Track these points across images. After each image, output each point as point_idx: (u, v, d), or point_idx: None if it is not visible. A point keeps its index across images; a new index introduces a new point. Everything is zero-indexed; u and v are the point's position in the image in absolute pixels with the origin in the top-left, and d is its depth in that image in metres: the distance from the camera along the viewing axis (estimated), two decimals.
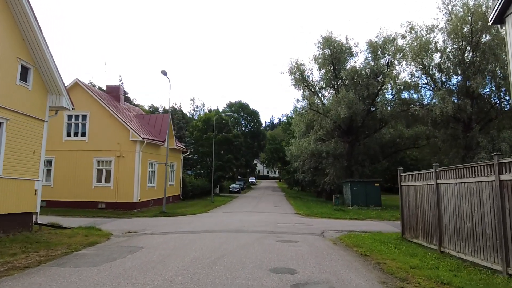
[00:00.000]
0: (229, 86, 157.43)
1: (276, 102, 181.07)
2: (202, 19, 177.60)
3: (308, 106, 35.14)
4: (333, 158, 33.82)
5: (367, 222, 18.27)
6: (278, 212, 23.89)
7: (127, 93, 63.75)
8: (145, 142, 23.69)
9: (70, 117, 24.76)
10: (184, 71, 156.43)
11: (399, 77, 30.81)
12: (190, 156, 43.72)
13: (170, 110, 27.25)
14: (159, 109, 59.39)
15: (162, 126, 28.23)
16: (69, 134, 24.74)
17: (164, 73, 21.88)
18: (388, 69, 31.53)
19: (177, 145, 31.17)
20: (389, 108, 31.36)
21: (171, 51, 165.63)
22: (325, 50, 34.07)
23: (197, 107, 71.97)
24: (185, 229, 13.98)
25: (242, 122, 76.15)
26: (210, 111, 68.78)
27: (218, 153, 43.99)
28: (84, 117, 24.64)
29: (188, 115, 73.60)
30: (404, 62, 31.71)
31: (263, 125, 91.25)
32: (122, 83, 76.21)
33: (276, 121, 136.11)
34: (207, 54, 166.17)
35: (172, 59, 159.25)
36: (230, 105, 76.13)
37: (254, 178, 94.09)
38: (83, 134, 24.65)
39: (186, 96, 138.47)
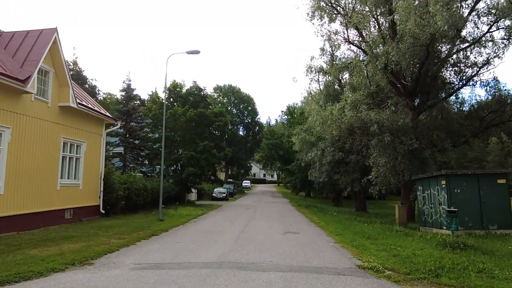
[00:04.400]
0: (221, 83, 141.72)
1: (275, 105, 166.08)
2: (200, 17, 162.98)
3: (344, 39, 19.52)
4: (390, 135, 18.19)
5: None
6: (312, 261, 8.16)
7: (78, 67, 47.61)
8: None
9: None
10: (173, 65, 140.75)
11: None
12: (148, 144, 28.00)
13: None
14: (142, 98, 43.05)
15: (33, 51, 12.57)
16: None
17: None
18: None
19: (88, 106, 15.45)
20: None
21: (167, 49, 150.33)
22: None
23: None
24: None
25: (234, 111, 60.31)
26: None
27: (190, 139, 28.31)
28: None
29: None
30: None
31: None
32: (76, 56, 60.55)
33: (273, 122, 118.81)
34: (201, 50, 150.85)
35: (167, 57, 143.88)
36: (217, 89, 60.30)
37: (248, 181, 78.19)
38: None
39: None
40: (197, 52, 17.22)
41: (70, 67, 45.75)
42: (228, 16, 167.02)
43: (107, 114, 17.51)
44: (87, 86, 45.64)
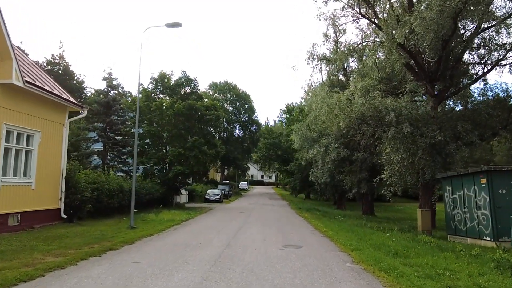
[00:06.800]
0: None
1: (273, 108, 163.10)
2: (199, 18, 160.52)
3: (355, 14, 16.66)
4: (410, 125, 15.31)
5: None
6: None
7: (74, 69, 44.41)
8: None
9: None
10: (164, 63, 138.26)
11: None
12: (131, 140, 25.06)
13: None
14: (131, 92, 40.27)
15: None
16: None
17: None
18: None
19: (43, 87, 12.53)
20: None
21: (166, 47, 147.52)
22: None
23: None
24: None
25: (230, 108, 57.37)
26: None
27: (178, 134, 25.41)
28: None
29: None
30: None
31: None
32: (63, 50, 58.13)
33: (271, 123, 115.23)
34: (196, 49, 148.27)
35: (159, 57, 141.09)
36: (212, 85, 57.35)
37: (246, 183, 75.23)
38: None
39: None
40: (178, 25, 14.37)
41: (56, 61, 42.87)
42: (227, 16, 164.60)
43: (71, 99, 14.57)
44: (74, 82, 42.65)
